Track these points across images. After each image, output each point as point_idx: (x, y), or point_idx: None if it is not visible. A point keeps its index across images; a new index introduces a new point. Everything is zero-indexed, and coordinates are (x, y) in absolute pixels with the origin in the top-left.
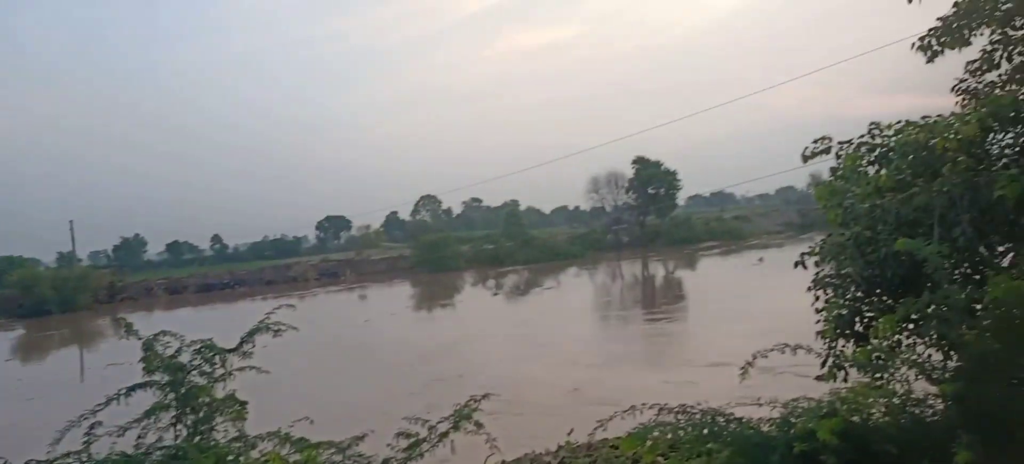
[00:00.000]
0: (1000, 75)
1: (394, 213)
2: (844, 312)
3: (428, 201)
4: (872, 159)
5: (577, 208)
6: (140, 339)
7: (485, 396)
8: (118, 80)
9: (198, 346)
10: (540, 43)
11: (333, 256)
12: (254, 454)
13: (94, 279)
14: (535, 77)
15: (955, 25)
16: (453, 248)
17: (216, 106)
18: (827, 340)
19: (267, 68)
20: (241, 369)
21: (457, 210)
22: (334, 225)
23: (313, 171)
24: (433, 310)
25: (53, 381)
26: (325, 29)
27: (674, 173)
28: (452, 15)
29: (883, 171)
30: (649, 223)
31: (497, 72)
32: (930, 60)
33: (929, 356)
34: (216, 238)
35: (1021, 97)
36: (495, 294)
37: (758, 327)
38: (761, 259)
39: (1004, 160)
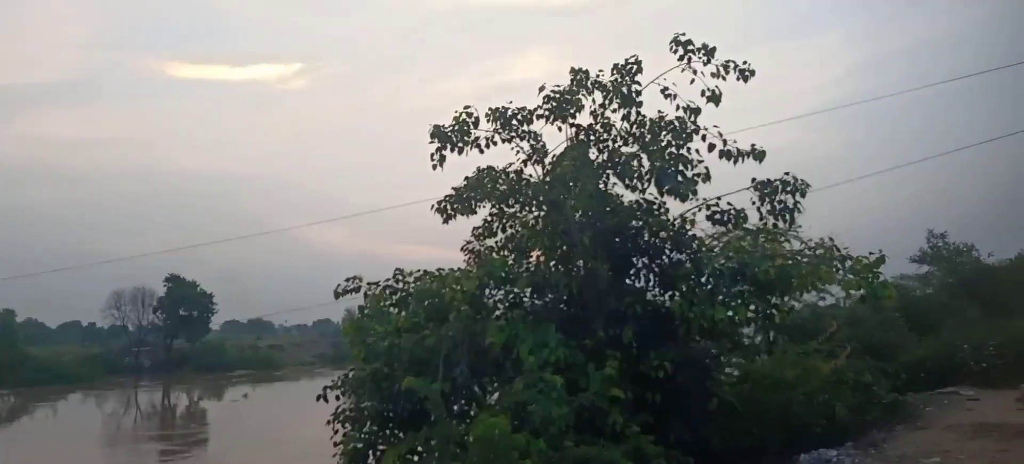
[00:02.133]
0: (497, 241)
1: None
2: (360, 445)
3: None
4: (394, 301)
5: (92, 325)
6: None
7: None
8: None
9: None
10: (84, 135)
11: None
12: None
13: None
14: (63, 166)
15: (465, 196)
16: None
17: None
18: None
19: None
20: None
21: None
22: None
23: None
24: None
25: None
26: None
27: (210, 295)
28: None
29: (403, 313)
30: (177, 347)
31: (19, 153)
32: (445, 221)
33: None
34: None
35: (511, 262)
36: None
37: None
38: (246, 395)
39: (497, 312)
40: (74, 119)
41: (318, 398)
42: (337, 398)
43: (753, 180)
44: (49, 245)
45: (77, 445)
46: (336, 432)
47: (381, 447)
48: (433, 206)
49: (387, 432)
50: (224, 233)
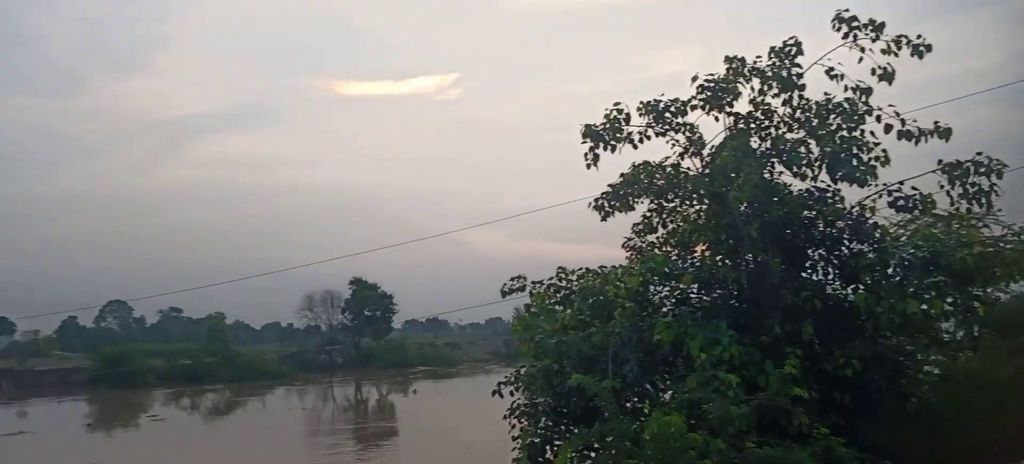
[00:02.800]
0: (657, 237)
1: (73, 318)
2: (536, 440)
3: (116, 307)
4: (558, 299)
5: (290, 326)
6: None
7: None
8: None
9: None
10: (260, 155)
11: None
12: None
13: None
14: (249, 186)
15: (622, 192)
16: (141, 361)
17: None
18: None
19: None
20: None
21: (152, 319)
22: None
23: None
24: (128, 429)
25: None
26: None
27: (390, 297)
28: (156, 116)
29: (568, 311)
30: (364, 345)
31: (208, 179)
32: (603, 219)
33: None
34: None
35: (673, 257)
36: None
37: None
38: (415, 391)
39: (663, 308)
40: (256, 140)
41: (493, 393)
42: (511, 394)
43: (940, 162)
44: (252, 255)
45: (285, 434)
46: (513, 426)
47: (557, 442)
48: (590, 204)
49: (561, 427)
50: (397, 238)
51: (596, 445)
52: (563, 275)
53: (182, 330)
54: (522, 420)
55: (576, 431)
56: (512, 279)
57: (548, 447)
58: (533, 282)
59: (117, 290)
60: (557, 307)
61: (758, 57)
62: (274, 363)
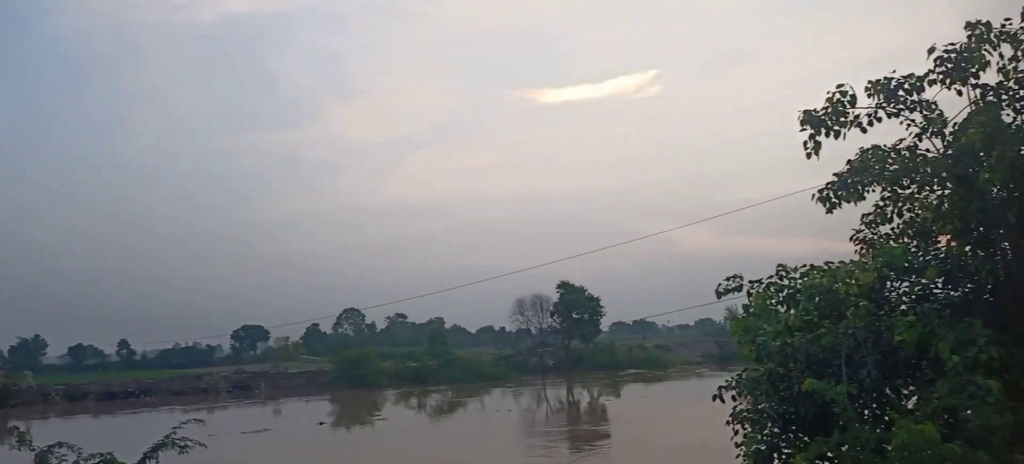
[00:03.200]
0: (893, 228)
1: (315, 325)
2: (763, 447)
3: (351, 315)
4: (780, 299)
5: (503, 329)
6: (33, 450)
7: None
8: (16, 176)
9: (97, 459)
10: (468, 166)
11: (248, 368)
12: None
13: None
14: (461, 198)
15: (850, 181)
16: (375, 364)
17: (127, 209)
18: None
19: (178, 172)
20: None
21: (381, 325)
22: (250, 335)
23: (229, 279)
24: (363, 426)
25: None
26: (239, 143)
27: (597, 299)
28: (376, 138)
29: (792, 311)
30: (573, 347)
31: (424, 193)
32: (829, 211)
33: None
34: (123, 343)
35: (913, 249)
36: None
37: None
38: (607, 395)
39: (902, 307)
40: (464, 153)
41: (714, 398)
42: (733, 398)
43: None
44: (466, 262)
45: (504, 433)
46: (735, 432)
47: (786, 450)
48: (815, 195)
49: (789, 434)
50: (603, 241)
51: (830, 455)
52: (784, 273)
53: (407, 334)
54: (745, 426)
55: (806, 439)
56: (727, 279)
57: (775, 455)
58: (750, 281)
59: (351, 299)
60: (779, 307)
61: (1006, 20)
62: (490, 365)
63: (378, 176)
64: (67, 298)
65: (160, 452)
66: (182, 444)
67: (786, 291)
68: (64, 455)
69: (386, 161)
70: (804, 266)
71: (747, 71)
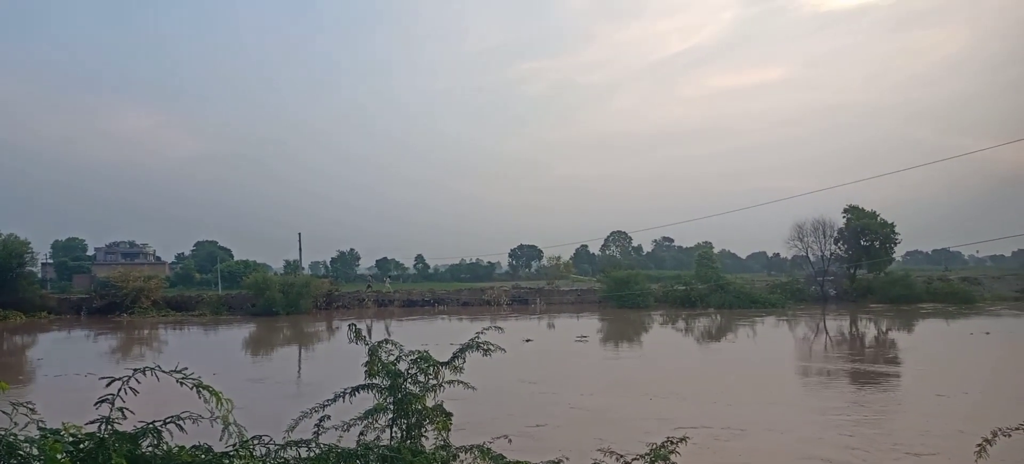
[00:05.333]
0: None
1: (584, 246)
2: None
3: (618, 237)
4: None
5: (776, 255)
6: (367, 345)
7: (683, 439)
8: (331, 113)
9: (415, 357)
10: (745, 84)
11: (524, 283)
12: None
13: (314, 287)
14: (734, 121)
15: None
16: (642, 285)
17: (418, 141)
18: None
19: (461, 106)
20: (451, 382)
21: (647, 248)
22: (526, 254)
23: (507, 203)
24: (631, 346)
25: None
26: (515, 72)
27: (891, 225)
28: (649, 58)
29: None
30: (860, 277)
31: (697, 115)
32: None
33: None
34: (419, 258)
35: None
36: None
37: (991, 401)
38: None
39: None
40: (739, 71)
41: None
42: None
43: None
44: (739, 186)
45: (779, 361)
46: None
47: None
48: None
49: None
50: (901, 160)
51: None
52: None
53: (673, 258)
54: None
55: None
56: None
57: None
58: None
59: (619, 222)
60: None
61: None
62: (763, 292)
63: (651, 98)
64: (375, 219)
65: (466, 353)
66: (486, 347)
67: None
68: (391, 350)
69: (659, 82)
70: None
71: None
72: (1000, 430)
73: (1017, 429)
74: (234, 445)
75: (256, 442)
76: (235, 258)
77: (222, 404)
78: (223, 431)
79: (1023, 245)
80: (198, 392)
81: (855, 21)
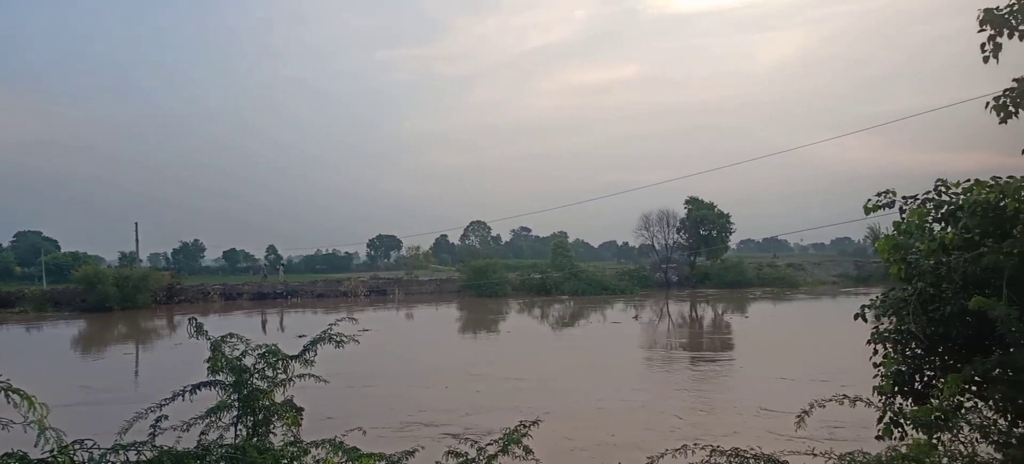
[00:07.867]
0: None
1: (444, 236)
2: (903, 368)
3: (478, 227)
4: (938, 216)
5: (626, 244)
6: (209, 339)
7: (535, 422)
8: (178, 95)
9: (262, 351)
10: (599, 80)
11: (382, 274)
12: (308, 460)
13: (154, 280)
14: (589, 115)
15: None
16: (500, 274)
17: (272, 128)
18: (884, 396)
19: (318, 94)
20: (301, 376)
21: (506, 237)
22: (385, 244)
23: (364, 193)
24: (487, 333)
25: (112, 374)
26: (373, 61)
27: (727, 216)
28: (507, 52)
29: (949, 229)
30: (699, 264)
31: (553, 109)
32: (1003, 120)
33: (995, 421)
34: (271, 249)
35: None
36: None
37: (809, 375)
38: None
39: None
40: (595, 67)
41: (855, 317)
42: (876, 318)
43: None
44: (591, 178)
45: (625, 341)
46: (875, 352)
47: (929, 372)
48: (989, 103)
49: (935, 357)
50: (737, 155)
51: (978, 378)
52: (943, 188)
53: (530, 247)
54: (887, 346)
55: (952, 362)
56: (879, 194)
57: (916, 377)
58: (904, 197)
59: (479, 212)
60: (935, 224)
61: None
62: (612, 279)
63: (510, 92)
64: (222, 208)
65: (317, 346)
66: (338, 339)
67: (945, 207)
68: (235, 344)
69: (517, 76)
70: (967, 181)
71: None
72: (816, 402)
73: (830, 400)
74: (51, 450)
75: (78, 447)
76: (62, 250)
77: (36, 408)
78: (38, 437)
79: (841, 234)
80: (7, 397)
81: (699, 23)
